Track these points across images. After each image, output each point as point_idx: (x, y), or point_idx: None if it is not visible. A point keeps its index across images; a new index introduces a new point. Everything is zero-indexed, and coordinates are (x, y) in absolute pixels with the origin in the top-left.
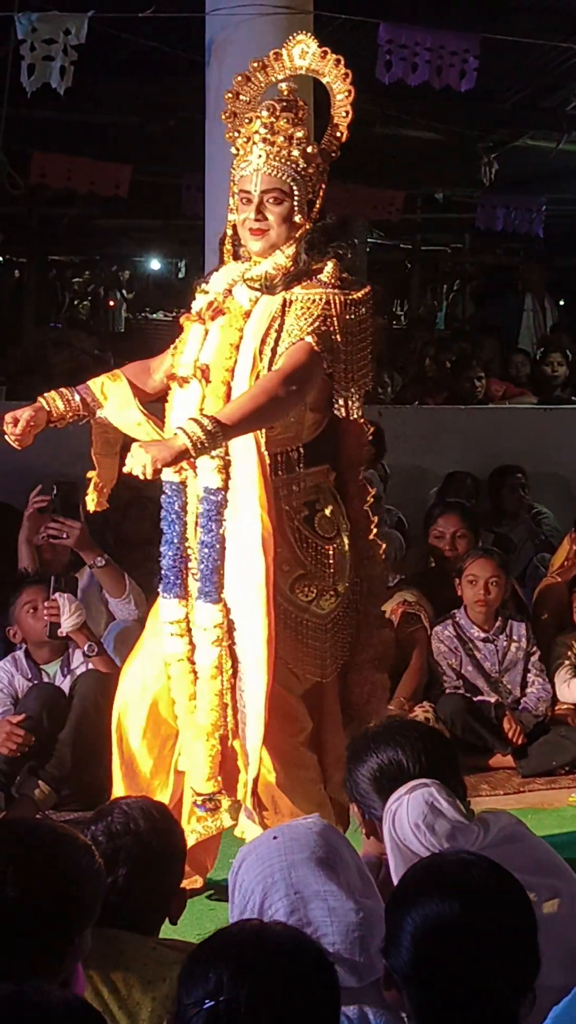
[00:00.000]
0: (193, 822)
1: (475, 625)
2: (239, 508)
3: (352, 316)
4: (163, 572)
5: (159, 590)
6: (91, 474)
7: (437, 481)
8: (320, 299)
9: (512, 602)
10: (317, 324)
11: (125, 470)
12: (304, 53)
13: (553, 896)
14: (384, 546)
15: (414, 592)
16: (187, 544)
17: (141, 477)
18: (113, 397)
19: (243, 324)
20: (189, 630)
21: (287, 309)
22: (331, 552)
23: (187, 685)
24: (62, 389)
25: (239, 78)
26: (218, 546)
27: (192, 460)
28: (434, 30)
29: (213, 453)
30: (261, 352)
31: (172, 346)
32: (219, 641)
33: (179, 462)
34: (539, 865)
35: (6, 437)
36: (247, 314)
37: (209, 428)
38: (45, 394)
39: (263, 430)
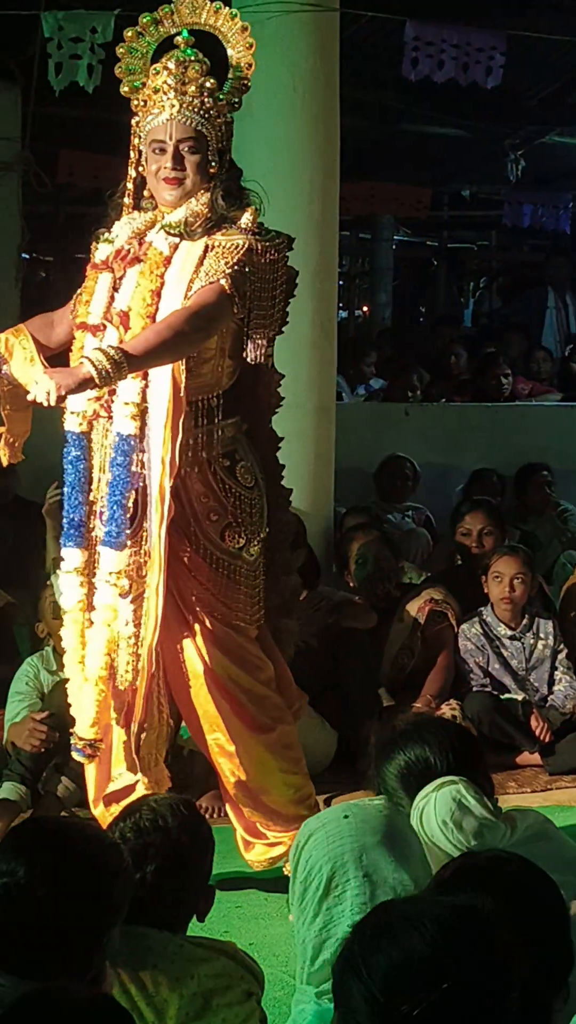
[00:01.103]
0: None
1: (502, 623)
2: (151, 456)
3: (266, 261)
4: (63, 521)
5: (62, 540)
6: (0, 429)
7: (463, 479)
8: (240, 244)
9: (539, 599)
10: (233, 268)
11: (29, 398)
12: (196, 8)
13: None
14: (292, 491)
15: (441, 590)
16: (90, 494)
17: (45, 404)
18: (18, 351)
19: (163, 271)
20: (89, 579)
21: (207, 253)
22: (254, 500)
23: (78, 633)
24: None
25: (130, 33)
26: (125, 492)
27: (99, 388)
28: (460, 27)
29: (128, 399)
30: (187, 297)
31: (76, 296)
32: (116, 584)
33: (83, 389)
34: (567, 863)
35: None
36: (167, 260)
37: (115, 357)
38: None
39: (184, 377)
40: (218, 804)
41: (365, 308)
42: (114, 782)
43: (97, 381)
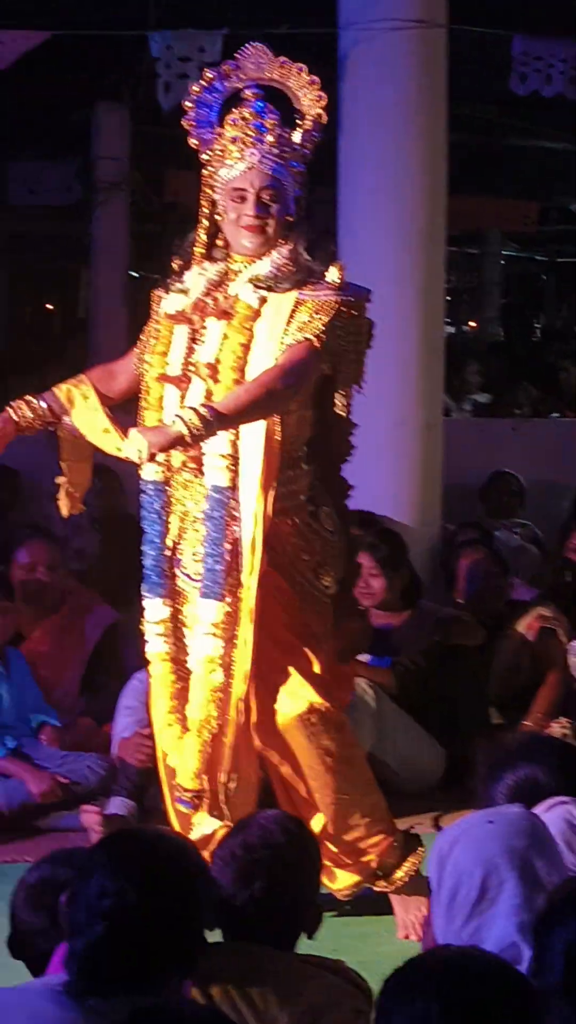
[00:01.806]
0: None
1: None
2: (242, 507)
3: (351, 317)
4: (145, 572)
5: (145, 591)
6: (60, 479)
7: (572, 495)
8: (329, 302)
9: None
10: (323, 325)
11: (122, 455)
12: (259, 64)
13: None
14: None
15: (550, 606)
16: (167, 543)
17: (137, 461)
18: (79, 402)
19: (252, 324)
20: (174, 629)
21: (298, 308)
22: (336, 544)
23: (168, 685)
24: (28, 397)
25: (196, 87)
26: (224, 544)
27: (188, 447)
28: (569, 41)
29: (221, 451)
30: (281, 351)
31: (142, 348)
32: (217, 635)
33: (174, 448)
34: None
35: None
36: (256, 313)
37: (206, 416)
38: (12, 403)
39: (279, 429)
40: None
41: (472, 323)
42: (194, 830)
43: (188, 439)
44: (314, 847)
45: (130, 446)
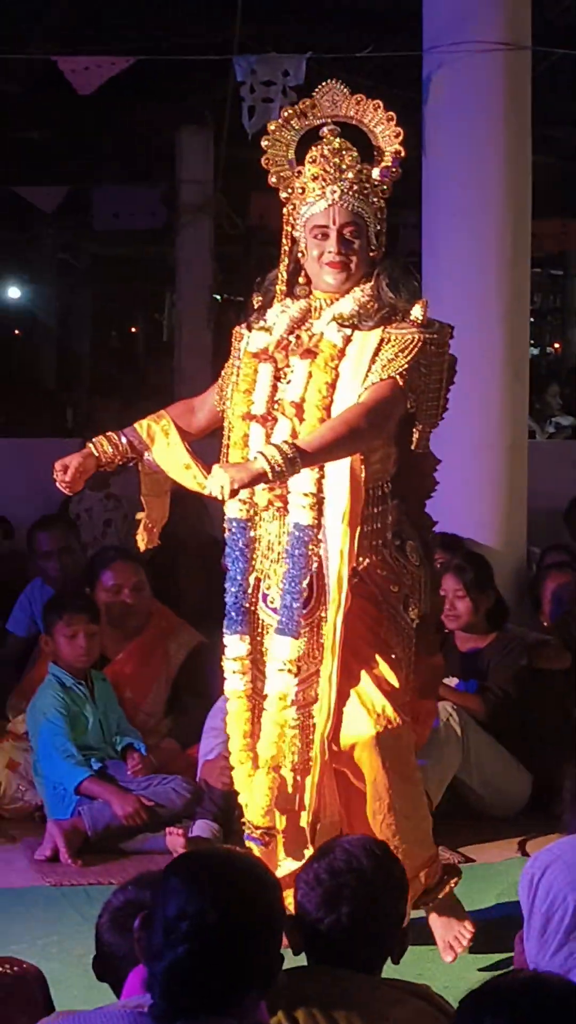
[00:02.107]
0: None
1: None
2: (327, 545)
3: (435, 355)
4: (227, 609)
5: (223, 627)
6: (140, 515)
7: None
8: (414, 339)
9: None
10: (406, 363)
11: (205, 491)
12: (335, 102)
13: None
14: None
15: None
16: (249, 580)
17: (220, 497)
18: (159, 439)
19: (337, 363)
20: (252, 666)
21: (382, 347)
22: (422, 578)
23: (243, 722)
24: (109, 433)
25: (273, 126)
26: (300, 582)
27: (271, 484)
28: None
29: (305, 490)
30: (365, 389)
31: (223, 384)
32: (290, 672)
33: (256, 484)
34: None
35: (57, 484)
36: (341, 352)
37: (288, 454)
38: (94, 439)
39: (364, 467)
40: None
41: (556, 345)
42: (280, 868)
43: (270, 476)
44: (400, 871)
45: (213, 482)
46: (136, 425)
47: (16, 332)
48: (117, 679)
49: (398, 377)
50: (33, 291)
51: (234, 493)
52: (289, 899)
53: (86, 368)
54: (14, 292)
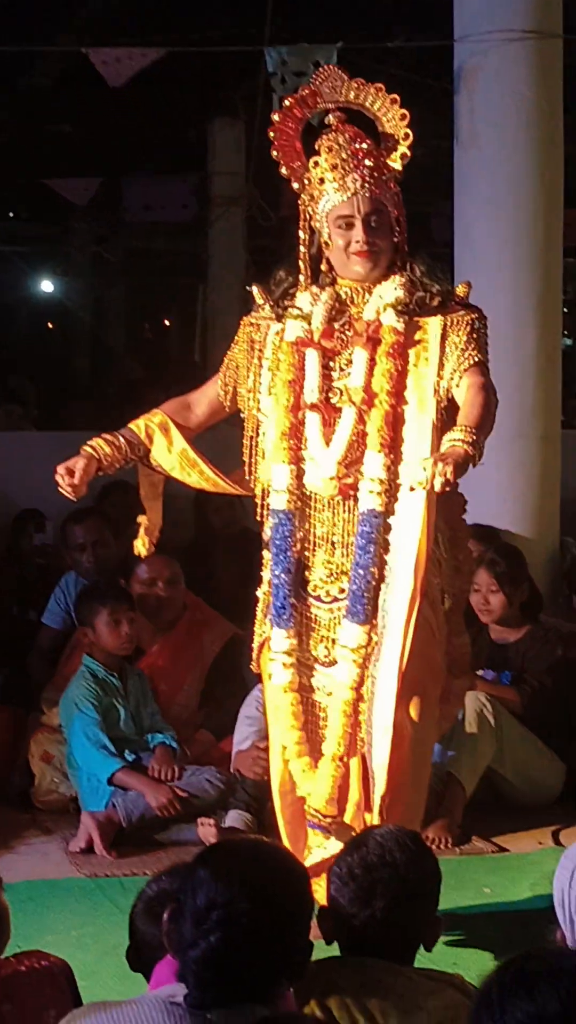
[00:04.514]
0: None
1: None
2: (399, 532)
3: (487, 339)
4: (273, 604)
5: (272, 622)
6: (141, 518)
7: None
8: (476, 322)
9: None
10: (482, 344)
11: (417, 481)
12: (335, 87)
13: None
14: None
15: None
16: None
17: (438, 489)
18: (159, 437)
19: (401, 349)
20: (297, 660)
21: (449, 331)
22: (451, 564)
23: (295, 716)
24: (105, 435)
25: (277, 117)
26: (373, 568)
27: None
28: None
29: (380, 477)
30: (439, 375)
31: (232, 377)
32: (359, 662)
33: (464, 472)
34: None
35: (60, 489)
36: (404, 338)
37: (476, 438)
38: (90, 441)
39: None
40: (444, 835)
41: None
42: (311, 854)
43: (476, 462)
44: (432, 861)
45: (428, 473)
46: (132, 425)
47: (50, 326)
48: (151, 672)
49: (485, 359)
50: (66, 285)
51: (448, 484)
52: (320, 886)
53: (118, 360)
54: (47, 286)
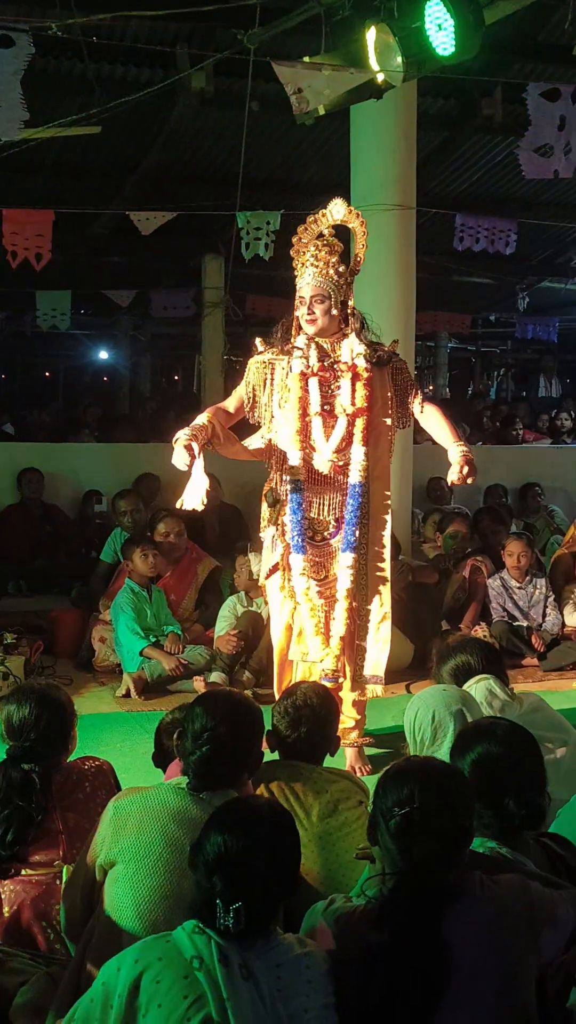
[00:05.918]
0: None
1: (513, 579)
2: (371, 495)
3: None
4: (292, 538)
5: (294, 549)
6: (204, 484)
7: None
8: (406, 366)
9: (536, 565)
10: (414, 380)
11: (457, 480)
12: (338, 212)
13: (563, 744)
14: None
15: (481, 556)
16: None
17: (470, 482)
18: (218, 427)
19: (369, 382)
20: (313, 573)
21: (396, 373)
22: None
23: (315, 608)
24: (195, 425)
25: (301, 228)
26: (357, 519)
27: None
28: (490, 217)
29: (362, 460)
30: (393, 401)
31: (253, 395)
32: (352, 575)
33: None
34: (554, 725)
35: (180, 459)
36: (370, 375)
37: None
38: (186, 430)
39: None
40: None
41: (431, 387)
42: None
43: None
44: (334, 704)
45: (469, 472)
46: (206, 421)
47: (104, 379)
48: (166, 589)
49: (420, 391)
50: (115, 354)
51: (474, 476)
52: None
53: (148, 400)
54: (103, 355)
